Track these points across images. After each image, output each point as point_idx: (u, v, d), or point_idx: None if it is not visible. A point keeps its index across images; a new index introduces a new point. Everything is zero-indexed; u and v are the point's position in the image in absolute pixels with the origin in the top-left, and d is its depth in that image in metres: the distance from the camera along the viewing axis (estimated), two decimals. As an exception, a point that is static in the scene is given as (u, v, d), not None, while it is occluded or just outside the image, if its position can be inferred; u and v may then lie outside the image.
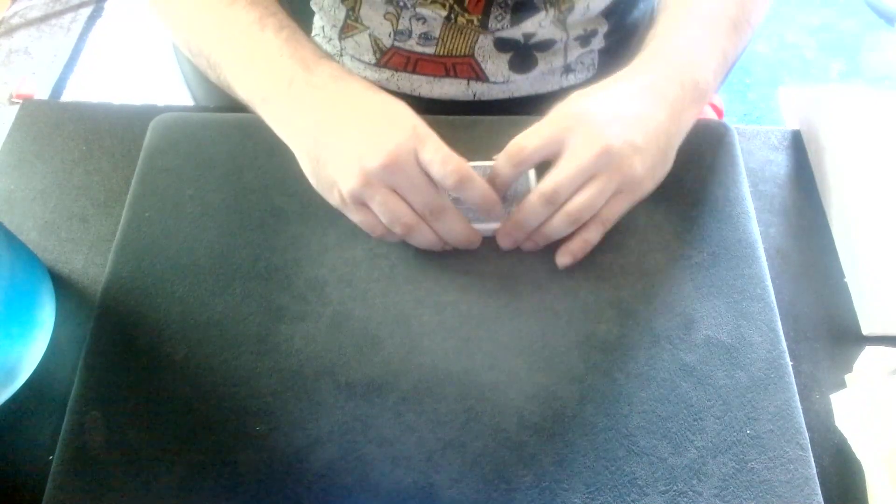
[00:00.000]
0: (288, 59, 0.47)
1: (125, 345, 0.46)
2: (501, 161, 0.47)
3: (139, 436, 0.43)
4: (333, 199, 0.48)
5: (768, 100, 1.68)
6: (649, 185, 0.48)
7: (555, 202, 0.46)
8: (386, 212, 0.45)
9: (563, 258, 0.49)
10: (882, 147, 0.55)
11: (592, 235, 0.48)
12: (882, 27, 1.81)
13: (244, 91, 0.50)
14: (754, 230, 0.52)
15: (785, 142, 0.59)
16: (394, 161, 0.43)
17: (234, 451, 0.42)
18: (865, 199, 0.52)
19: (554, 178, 0.45)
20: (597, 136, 0.45)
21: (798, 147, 0.59)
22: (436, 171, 0.44)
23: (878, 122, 0.56)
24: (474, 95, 0.66)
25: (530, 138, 0.46)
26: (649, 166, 0.47)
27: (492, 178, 0.47)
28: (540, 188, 0.46)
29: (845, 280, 0.51)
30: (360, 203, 0.46)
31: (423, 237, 0.47)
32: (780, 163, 0.58)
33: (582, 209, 0.46)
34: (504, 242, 0.49)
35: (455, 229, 0.47)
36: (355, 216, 0.47)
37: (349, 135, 0.45)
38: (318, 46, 0.50)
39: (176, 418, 0.43)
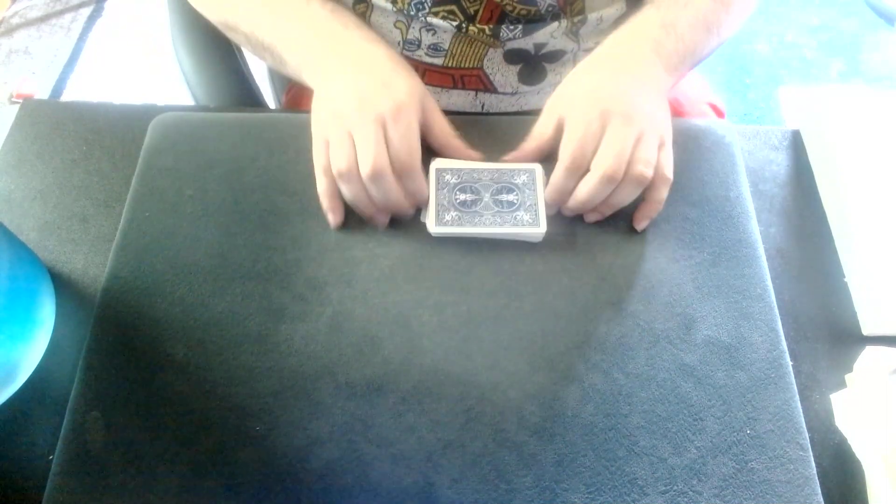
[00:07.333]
0: (332, 23, 0.52)
1: (125, 345, 0.46)
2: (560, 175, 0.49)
3: (139, 436, 0.43)
4: (325, 131, 0.49)
5: (768, 100, 1.68)
6: (661, 117, 0.50)
7: (580, 166, 0.48)
8: (366, 145, 0.46)
9: (641, 223, 0.51)
10: (882, 147, 0.55)
11: (660, 193, 0.49)
12: (882, 27, 1.81)
13: (292, 51, 0.53)
14: (754, 230, 0.52)
15: (785, 142, 0.59)
16: (399, 108, 0.47)
17: (234, 451, 0.42)
18: (865, 199, 0.52)
19: (569, 143, 0.48)
20: (588, 100, 0.49)
21: (798, 147, 0.59)
22: (436, 132, 0.50)
23: (877, 122, 0.56)
24: (482, 107, 0.66)
25: (537, 136, 0.51)
26: (645, 101, 0.49)
27: (557, 192, 0.50)
28: (561, 162, 0.48)
29: (845, 280, 0.51)
30: (347, 131, 0.47)
31: (386, 186, 0.47)
32: (780, 163, 0.58)
33: (615, 164, 0.46)
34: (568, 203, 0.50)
35: (417, 192, 0.49)
36: (336, 150, 0.48)
37: (365, 80, 0.49)
38: (356, 16, 0.54)
39: (176, 418, 0.43)
